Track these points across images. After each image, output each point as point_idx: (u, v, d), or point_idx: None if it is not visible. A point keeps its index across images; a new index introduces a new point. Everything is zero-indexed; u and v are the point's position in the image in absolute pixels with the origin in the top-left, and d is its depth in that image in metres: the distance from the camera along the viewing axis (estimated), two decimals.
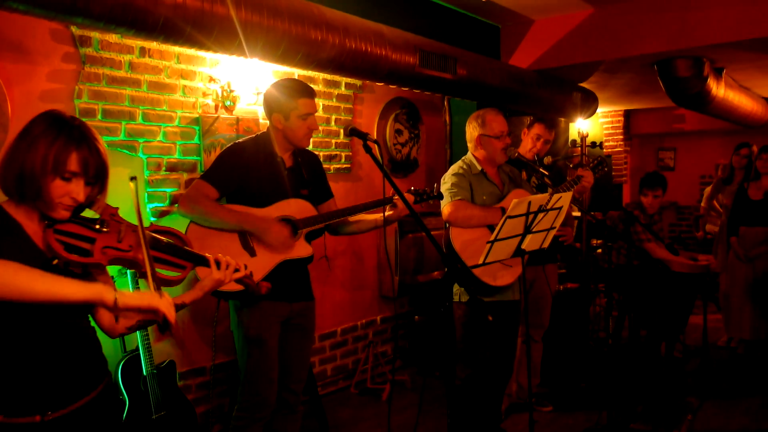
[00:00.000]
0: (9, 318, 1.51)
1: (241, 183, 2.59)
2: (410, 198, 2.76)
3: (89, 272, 1.65)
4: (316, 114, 4.30)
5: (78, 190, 1.55)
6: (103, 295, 1.47)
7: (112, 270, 2.50)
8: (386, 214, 2.73)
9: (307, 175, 2.77)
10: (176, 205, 2.57)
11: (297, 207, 2.66)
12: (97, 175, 1.58)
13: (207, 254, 1.82)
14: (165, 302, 1.55)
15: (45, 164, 1.51)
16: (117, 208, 1.67)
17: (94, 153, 1.56)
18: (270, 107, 2.66)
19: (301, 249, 2.66)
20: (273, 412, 2.74)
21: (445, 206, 3.12)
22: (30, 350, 1.55)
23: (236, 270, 1.87)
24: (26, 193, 1.53)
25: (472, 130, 3.27)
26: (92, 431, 1.65)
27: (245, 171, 2.60)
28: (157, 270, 1.67)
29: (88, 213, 1.67)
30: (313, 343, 2.91)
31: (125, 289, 1.50)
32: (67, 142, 1.53)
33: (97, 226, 1.60)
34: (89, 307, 1.64)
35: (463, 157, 3.32)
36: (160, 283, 1.64)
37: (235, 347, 2.71)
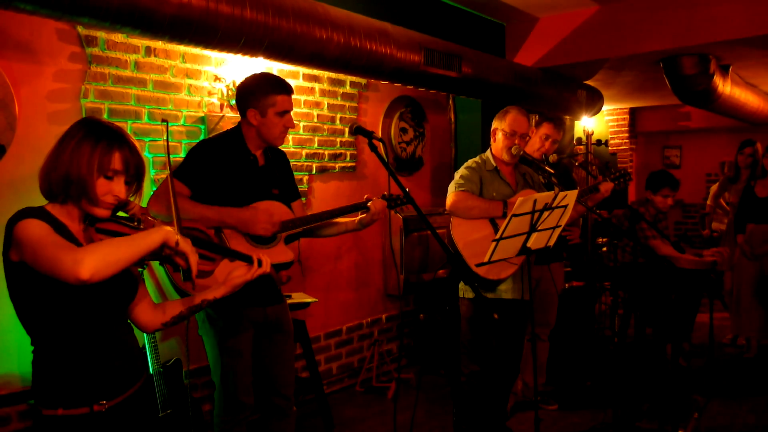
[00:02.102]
0: (66, 314, 1.62)
1: (214, 181, 2.47)
2: (383, 203, 2.70)
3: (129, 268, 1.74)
4: (321, 112, 4.38)
5: (120, 188, 1.66)
6: (169, 236, 1.61)
7: None
8: (359, 217, 2.70)
9: (278, 174, 2.69)
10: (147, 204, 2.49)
11: (274, 209, 2.56)
12: (136, 174, 1.70)
13: (241, 251, 1.91)
14: (196, 257, 1.68)
15: (91, 164, 1.61)
16: (147, 209, 1.78)
17: (134, 153, 1.68)
18: (245, 102, 2.53)
19: (282, 254, 2.56)
20: (266, 417, 2.72)
21: (449, 195, 3.18)
22: (85, 343, 1.66)
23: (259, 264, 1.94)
24: (71, 193, 1.63)
25: (494, 123, 3.33)
26: (139, 420, 1.78)
27: (216, 169, 2.48)
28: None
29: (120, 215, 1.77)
30: (294, 347, 2.87)
31: (181, 237, 1.66)
32: (109, 142, 1.64)
33: (135, 224, 1.71)
34: (131, 299, 1.78)
35: (482, 153, 3.37)
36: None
37: (207, 353, 2.64)
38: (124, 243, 1.55)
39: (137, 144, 1.72)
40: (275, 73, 3.94)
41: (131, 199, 1.72)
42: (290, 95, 2.57)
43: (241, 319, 2.56)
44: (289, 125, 2.57)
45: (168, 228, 1.62)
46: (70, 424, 1.63)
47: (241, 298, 2.29)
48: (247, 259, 1.90)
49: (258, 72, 2.68)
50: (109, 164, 1.62)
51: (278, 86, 2.53)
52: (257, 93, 2.51)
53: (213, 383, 2.86)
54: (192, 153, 2.54)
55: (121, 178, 1.66)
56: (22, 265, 1.55)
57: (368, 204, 2.67)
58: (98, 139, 1.63)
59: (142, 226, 1.71)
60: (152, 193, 3.46)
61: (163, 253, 1.63)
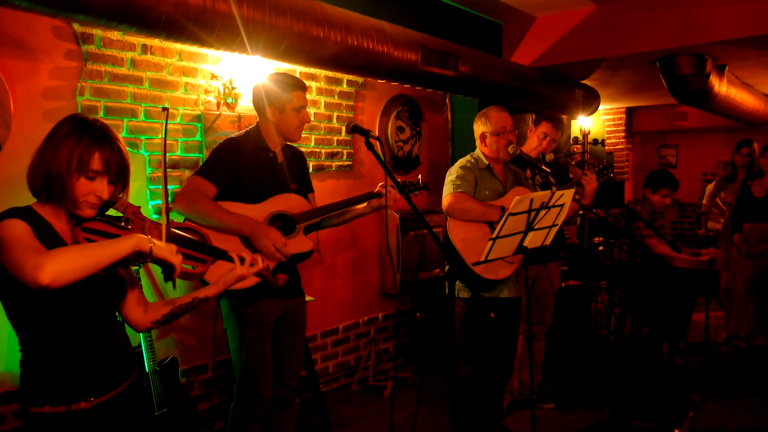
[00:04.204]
0: (53, 311, 1.62)
1: (237, 178, 2.59)
2: (395, 194, 2.78)
3: (116, 267, 1.72)
4: (318, 111, 4.37)
5: (102, 188, 1.64)
6: (141, 244, 1.57)
7: None
8: (373, 204, 2.81)
9: (296, 170, 2.80)
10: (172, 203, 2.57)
11: (291, 202, 2.68)
12: (118, 174, 1.67)
13: (229, 251, 1.91)
14: (179, 259, 1.67)
15: (69, 164, 1.60)
16: (139, 207, 1.75)
17: (115, 153, 1.66)
18: (263, 100, 2.67)
19: (302, 243, 2.68)
20: (270, 407, 2.75)
21: (446, 196, 3.19)
22: (72, 341, 1.65)
23: (252, 264, 1.93)
24: (53, 193, 1.62)
25: (477, 128, 3.33)
26: (129, 418, 1.77)
27: (240, 166, 2.60)
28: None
29: (111, 213, 1.74)
30: (305, 339, 2.93)
31: (158, 242, 1.64)
32: (89, 142, 1.62)
33: (122, 224, 1.69)
34: (120, 300, 1.77)
35: (471, 152, 3.37)
36: (183, 276, 1.77)
37: (229, 345, 2.71)
38: (90, 250, 1.52)
39: (122, 143, 1.69)
40: (272, 71, 3.94)
41: (120, 196, 1.71)
42: (305, 92, 2.72)
43: (262, 312, 2.63)
44: (306, 120, 2.71)
45: (141, 235, 1.59)
46: (57, 422, 1.63)
47: (264, 291, 2.45)
48: (230, 260, 1.90)
49: (274, 72, 2.80)
50: (88, 164, 1.60)
51: (294, 84, 2.68)
52: (275, 90, 2.65)
53: (210, 382, 2.87)
54: (216, 151, 2.64)
55: (103, 179, 1.64)
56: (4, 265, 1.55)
57: (382, 192, 2.76)
58: (80, 137, 1.61)
59: (130, 227, 1.69)
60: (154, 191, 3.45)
61: (139, 261, 1.60)
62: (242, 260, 1.91)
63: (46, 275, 1.41)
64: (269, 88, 2.66)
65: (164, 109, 1.72)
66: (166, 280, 1.66)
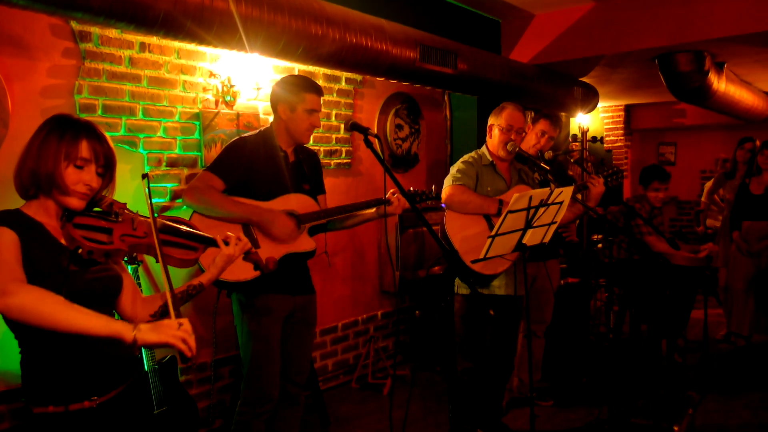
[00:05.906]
0: None
1: (246, 176, 2.62)
2: (405, 204, 2.77)
3: (109, 262, 1.74)
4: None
5: (91, 177, 1.65)
6: (122, 333, 1.49)
7: None
8: (381, 211, 2.81)
9: (308, 171, 2.82)
10: (180, 199, 2.60)
11: (299, 202, 2.71)
12: (106, 165, 1.69)
13: (215, 236, 1.92)
14: (181, 334, 1.51)
15: (58, 153, 1.61)
16: (125, 203, 1.75)
17: (103, 142, 1.68)
18: (278, 97, 2.71)
19: (305, 243, 2.70)
20: (276, 405, 2.76)
21: (446, 188, 3.21)
22: (73, 341, 1.62)
23: (239, 240, 1.94)
24: (42, 185, 1.63)
25: (490, 119, 3.35)
26: (132, 416, 1.78)
27: (250, 164, 2.63)
28: (172, 253, 1.79)
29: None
30: (314, 336, 2.93)
31: (146, 326, 1.52)
32: (76, 132, 1.64)
33: (113, 217, 1.70)
34: (115, 297, 1.77)
35: (477, 149, 3.39)
36: (175, 264, 1.78)
37: (238, 341, 2.73)
38: (68, 311, 1.48)
39: (106, 136, 1.71)
40: (271, 69, 3.93)
41: (105, 194, 1.72)
42: (320, 96, 2.73)
43: (271, 307, 2.64)
44: (316, 124, 2.73)
45: (125, 326, 1.50)
46: (61, 421, 1.63)
47: (272, 286, 2.52)
48: (214, 243, 1.90)
49: (296, 74, 2.83)
50: (76, 153, 1.63)
51: (310, 86, 2.71)
52: (290, 89, 2.68)
53: (208, 380, 2.86)
54: (228, 148, 2.67)
55: (91, 167, 1.65)
56: None
57: (392, 198, 2.76)
58: (64, 131, 1.64)
59: (120, 219, 1.70)
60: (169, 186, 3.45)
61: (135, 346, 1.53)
62: (227, 242, 1.91)
63: (5, 305, 1.44)
64: (285, 86, 2.69)
65: (144, 176, 1.73)
66: (182, 362, 1.55)
